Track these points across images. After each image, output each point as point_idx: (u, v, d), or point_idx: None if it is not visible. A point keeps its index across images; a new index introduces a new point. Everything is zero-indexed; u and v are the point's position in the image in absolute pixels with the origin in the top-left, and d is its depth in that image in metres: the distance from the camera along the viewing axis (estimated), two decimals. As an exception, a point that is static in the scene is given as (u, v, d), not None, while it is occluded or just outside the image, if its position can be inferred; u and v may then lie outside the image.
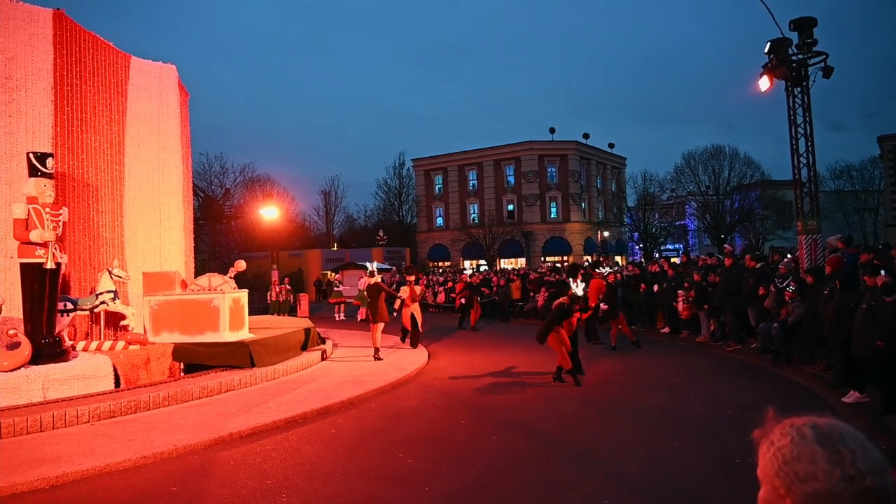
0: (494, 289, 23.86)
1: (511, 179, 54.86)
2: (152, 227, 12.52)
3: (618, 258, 55.22)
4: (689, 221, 55.05)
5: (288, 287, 25.15)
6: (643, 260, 42.11)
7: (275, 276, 27.10)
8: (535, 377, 10.61)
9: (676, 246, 55.13)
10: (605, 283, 14.76)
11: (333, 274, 32.90)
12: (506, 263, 51.94)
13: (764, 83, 14.87)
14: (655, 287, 16.77)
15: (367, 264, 21.06)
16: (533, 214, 53.29)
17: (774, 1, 13.50)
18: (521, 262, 51.71)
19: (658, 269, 17.87)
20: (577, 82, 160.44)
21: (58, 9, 10.72)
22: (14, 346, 8.40)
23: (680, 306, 15.27)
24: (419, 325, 14.54)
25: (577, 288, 10.63)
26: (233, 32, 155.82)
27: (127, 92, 12.22)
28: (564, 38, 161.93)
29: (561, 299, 10.39)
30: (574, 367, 10.06)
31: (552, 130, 54.70)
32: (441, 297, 28.07)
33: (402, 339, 15.18)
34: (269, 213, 29.93)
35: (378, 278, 14.35)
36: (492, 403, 8.87)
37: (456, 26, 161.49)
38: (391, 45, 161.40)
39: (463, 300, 20.20)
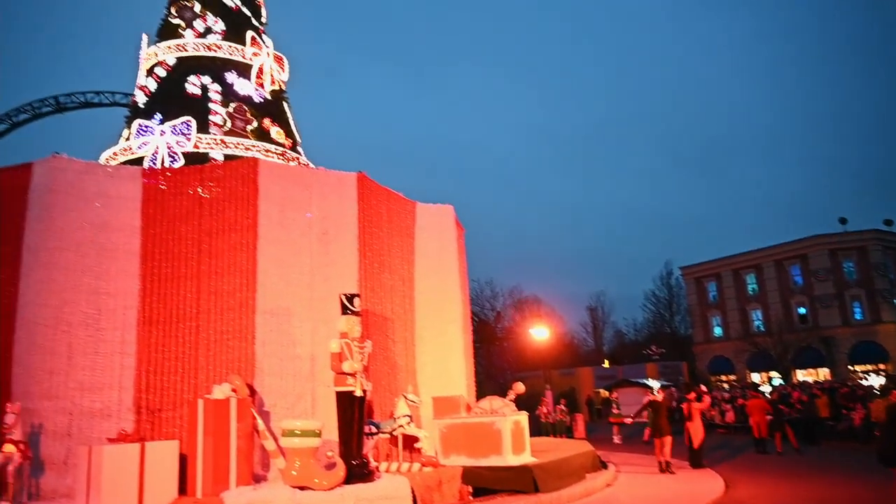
0: (796, 405, 20.94)
1: (798, 280, 49.17)
2: (438, 354, 13.56)
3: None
4: None
5: (563, 407, 24.90)
6: None
7: (548, 395, 27.10)
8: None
9: None
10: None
11: (607, 392, 31.93)
12: (803, 375, 45.61)
13: None
14: None
15: (649, 382, 20.58)
16: (831, 317, 46.63)
17: None
18: (823, 372, 44.99)
19: None
20: (864, 162, 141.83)
21: (360, 171, 12.76)
22: (331, 466, 9.46)
23: None
24: (695, 443, 14.45)
25: None
26: (500, 165, 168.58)
27: (414, 233, 13.84)
28: (842, 116, 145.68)
29: None
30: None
31: (843, 221, 48.59)
32: (730, 416, 25.40)
33: (691, 464, 14.22)
34: (540, 334, 30.56)
35: (660, 395, 15.02)
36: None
37: (713, 124, 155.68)
38: (649, 152, 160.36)
39: (763, 421, 18.05)
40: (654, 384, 17.74)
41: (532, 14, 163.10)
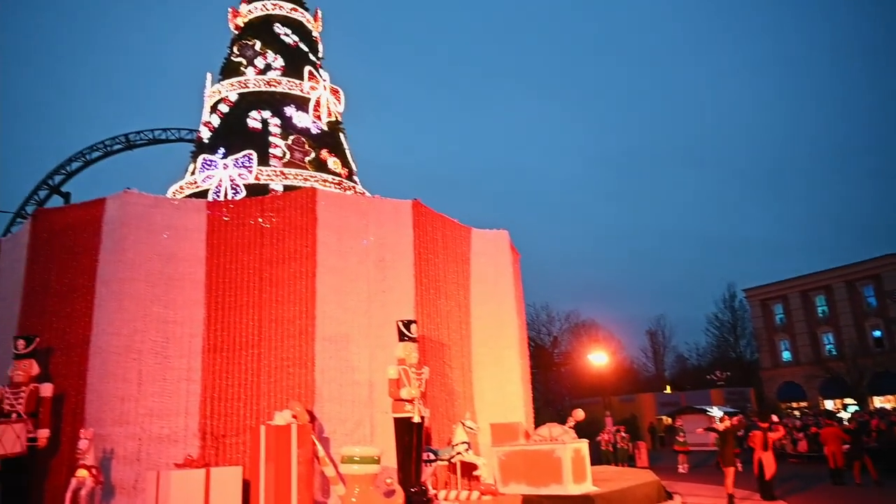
0: (874, 434, 19.83)
1: (872, 301, 46.83)
2: (495, 380, 13.45)
3: None
4: None
5: (624, 434, 24.25)
6: None
7: (608, 423, 26.48)
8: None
9: None
10: None
11: (670, 419, 30.94)
12: (880, 401, 43.17)
13: None
14: None
15: (711, 410, 19.86)
16: (909, 340, 44.16)
17: None
18: (904, 399, 42.50)
19: None
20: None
21: (415, 199, 12.89)
22: (390, 493, 9.43)
23: None
24: (766, 474, 13.69)
25: None
26: (555, 189, 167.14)
27: (469, 259, 13.86)
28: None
29: None
30: None
31: (919, 238, 46.23)
32: (802, 445, 24.23)
33: (762, 496, 13.61)
34: (598, 359, 29.98)
35: (725, 424, 14.40)
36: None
37: (777, 143, 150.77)
38: (707, 174, 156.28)
39: (839, 450, 17.15)
40: (717, 412, 16.99)
41: (583, 40, 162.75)
